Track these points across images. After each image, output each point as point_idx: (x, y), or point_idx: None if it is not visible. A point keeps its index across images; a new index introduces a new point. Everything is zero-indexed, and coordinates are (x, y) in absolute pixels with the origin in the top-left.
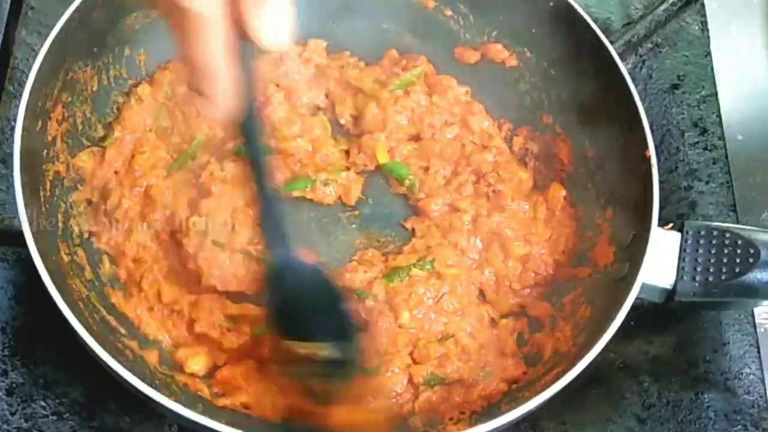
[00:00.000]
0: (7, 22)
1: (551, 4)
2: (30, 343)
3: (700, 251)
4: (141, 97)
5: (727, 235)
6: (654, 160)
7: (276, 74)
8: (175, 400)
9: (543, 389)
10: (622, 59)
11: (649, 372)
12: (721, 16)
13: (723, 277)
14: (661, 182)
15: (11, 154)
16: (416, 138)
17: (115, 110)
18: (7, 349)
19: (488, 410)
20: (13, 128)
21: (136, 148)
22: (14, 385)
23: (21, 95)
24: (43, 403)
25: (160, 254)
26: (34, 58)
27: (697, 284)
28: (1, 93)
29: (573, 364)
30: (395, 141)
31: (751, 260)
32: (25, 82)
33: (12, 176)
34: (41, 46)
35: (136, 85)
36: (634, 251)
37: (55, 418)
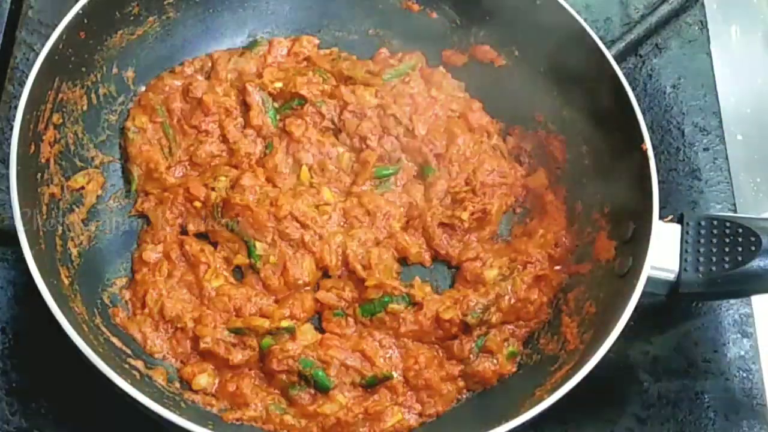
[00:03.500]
0: (7, 22)
1: (538, 2)
2: (30, 343)
3: (702, 242)
4: (141, 128)
5: (728, 224)
6: (651, 153)
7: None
8: (186, 418)
9: (556, 387)
10: (623, 59)
11: (649, 372)
12: (721, 16)
13: (726, 267)
14: (661, 182)
15: (9, 156)
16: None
17: (106, 130)
18: (7, 349)
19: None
20: (12, 128)
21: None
22: (14, 385)
23: (20, 95)
24: (43, 403)
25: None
26: (35, 58)
27: (700, 275)
28: (1, 92)
29: (583, 361)
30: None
31: (753, 248)
32: (25, 82)
33: (11, 204)
34: (41, 46)
35: (126, 109)
36: (636, 245)
37: (55, 418)
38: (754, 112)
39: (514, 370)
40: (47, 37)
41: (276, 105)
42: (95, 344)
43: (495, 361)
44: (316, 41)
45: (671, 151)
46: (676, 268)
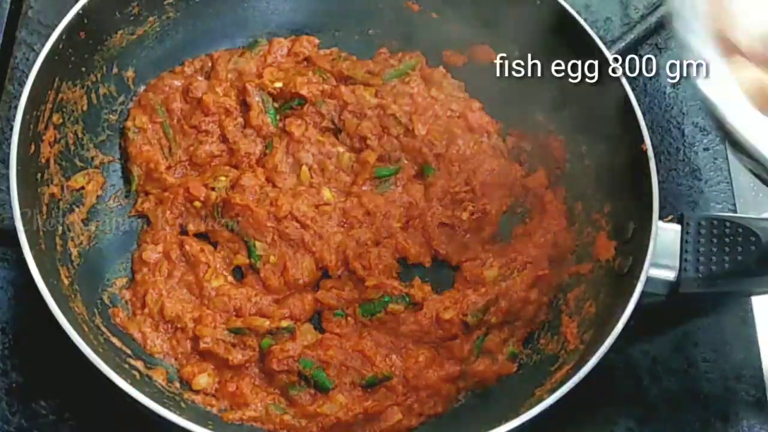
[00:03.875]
0: (7, 22)
1: (537, 2)
2: (30, 343)
3: (702, 242)
4: (141, 128)
5: (728, 224)
6: (651, 153)
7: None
8: (186, 418)
9: (556, 387)
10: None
11: (649, 372)
12: None
13: (726, 267)
14: (661, 182)
15: (9, 156)
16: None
17: (106, 130)
18: (7, 349)
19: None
20: (12, 128)
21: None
22: (14, 385)
23: (20, 95)
24: (43, 403)
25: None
26: (35, 58)
27: (700, 275)
28: (1, 92)
29: (583, 361)
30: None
31: (753, 248)
32: (25, 82)
33: (12, 205)
34: (41, 46)
35: (126, 109)
36: (636, 245)
37: (55, 418)
38: None
39: (514, 370)
40: (47, 37)
41: (276, 105)
42: (95, 344)
43: (495, 361)
44: (316, 41)
45: (671, 151)
46: (676, 268)
